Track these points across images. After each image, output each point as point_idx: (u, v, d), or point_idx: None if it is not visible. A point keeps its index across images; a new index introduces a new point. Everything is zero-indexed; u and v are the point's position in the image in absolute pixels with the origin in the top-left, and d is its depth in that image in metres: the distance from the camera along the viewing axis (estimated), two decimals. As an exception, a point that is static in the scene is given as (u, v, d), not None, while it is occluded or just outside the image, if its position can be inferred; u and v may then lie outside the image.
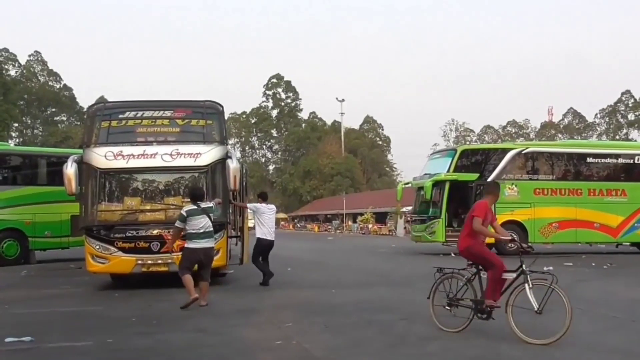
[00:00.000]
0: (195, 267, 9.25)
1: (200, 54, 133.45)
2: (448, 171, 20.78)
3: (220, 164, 11.57)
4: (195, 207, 9.19)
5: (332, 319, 8.09)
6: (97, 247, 11.12)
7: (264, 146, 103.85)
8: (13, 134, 79.53)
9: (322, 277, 13.89)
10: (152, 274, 11.30)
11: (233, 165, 11.38)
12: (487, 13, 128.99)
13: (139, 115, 12.14)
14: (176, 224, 9.36)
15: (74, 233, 17.85)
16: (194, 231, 9.05)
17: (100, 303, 9.80)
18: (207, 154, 11.55)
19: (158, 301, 9.69)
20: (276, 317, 8.30)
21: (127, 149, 11.41)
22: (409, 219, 40.57)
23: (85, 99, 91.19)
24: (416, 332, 7.18)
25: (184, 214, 9.13)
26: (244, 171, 12.43)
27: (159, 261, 11.05)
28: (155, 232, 11.20)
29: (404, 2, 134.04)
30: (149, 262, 11.13)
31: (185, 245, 9.29)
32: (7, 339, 6.70)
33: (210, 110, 12.38)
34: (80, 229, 11.71)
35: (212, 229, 9.26)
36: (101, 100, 67.82)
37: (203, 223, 9.09)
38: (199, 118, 12.30)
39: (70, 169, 11.13)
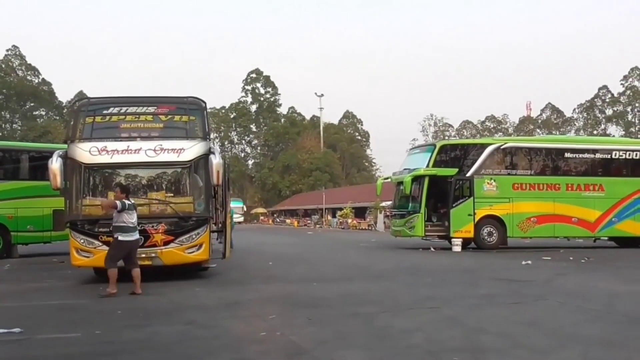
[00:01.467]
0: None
1: (180, 48, 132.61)
2: (427, 166, 20.99)
3: (203, 160, 11.72)
4: (128, 202, 9.89)
5: (316, 311, 8.20)
6: (82, 241, 11.22)
7: (243, 141, 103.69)
8: (-8, 129, 78.48)
9: (304, 271, 14.01)
10: None
11: (216, 160, 11.50)
12: (466, 7, 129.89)
13: (122, 111, 12.22)
14: (115, 201, 9.93)
15: (56, 227, 17.85)
16: (128, 224, 9.82)
17: (85, 296, 9.82)
18: (190, 150, 11.70)
19: (143, 295, 9.72)
20: (261, 310, 8.41)
21: (111, 145, 11.51)
22: (388, 213, 40.95)
23: (64, 94, 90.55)
24: (399, 324, 7.31)
25: (125, 204, 9.80)
26: (226, 166, 12.54)
27: (143, 255, 11.07)
28: (139, 226, 11.23)
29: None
30: None
31: (119, 238, 9.80)
32: (-3, 331, 6.77)
33: (193, 106, 12.56)
34: (65, 223, 11.75)
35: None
36: (81, 95, 67.35)
37: (135, 217, 9.93)
38: (182, 114, 12.46)
39: (55, 164, 11.21)
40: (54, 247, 19.15)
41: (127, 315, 8.05)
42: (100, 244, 11.07)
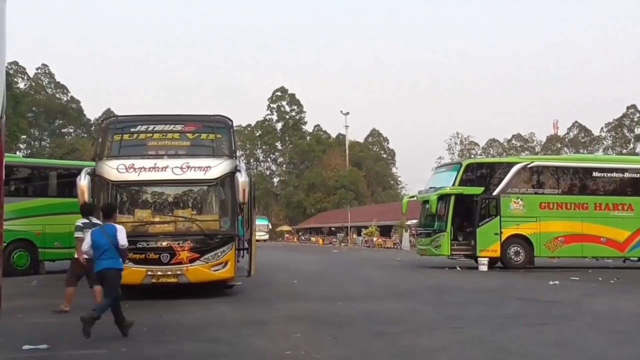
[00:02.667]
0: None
1: (205, 67, 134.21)
2: (453, 185, 20.90)
3: (230, 178, 11.77)
4: (87, 221, 9.82)
5: (340, 330, 8.20)
6: None
7: (269, 159, 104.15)
8: (21, 146, 80.00)
9: (329, 290, 13.99)
10: (161, 285, 11.42)
11: (242, 178, 11.53)
12: (492, 27, 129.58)
13: (150, 129, 12.36)
14: (76, 235, 9.84)
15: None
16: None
17: (110, 313, 9.92)
18: (217, 168, 11.76)
19: (168, 312, 9.81)
20: (285, 328, 8.43)
21: (138, 162, 11.64)
22: (414, 232, 40.69)
23: (92, 112, 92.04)
24: (424, 344, 7.28)
25: (80, 225, 9.77)
26: (252, 184, 12.62)
27: (169, 272, 11.21)
28: (165, 243, 11.38)
29: (408, 15, 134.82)
30: (159, 273, 11.26)
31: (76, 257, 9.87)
32: (24, 347, 6.87)
33: (219, 124, 12.66)
34: None
35: None
36: (109, 113, 68.65)
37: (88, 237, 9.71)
38: (209, 132, 12.57)
39: (83, 181, 11.41)
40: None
41: (152, 332, 8.11)
42: (127, 261, 11.15)
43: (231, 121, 12.78)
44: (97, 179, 11.61)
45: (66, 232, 18.32)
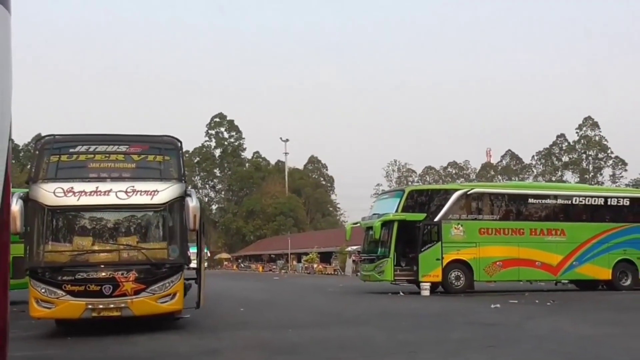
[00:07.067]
0: None
1: (142, 92, 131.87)
2: (396, 211, 21.18)
3: (179, 202, 11.06)
4: None
5: (294, 358, 8.13)
6: (43, 290, 10.32)
7: (207, 185, 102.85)
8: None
9: (277, 317, 13.85)
10: (103, 319, 10.62)
11: (193, 203, 10.97)
12: (430, 60, 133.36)
13: (91, 149, 11.42)
14: None
15: (15, 275, 17.01)
16: None
17: (56, 347, 9.49)
18: (165, 192, 11.01)
19: (115, 344, 9.45)
20: (240, 357, 8.27)
21: (78, 185, 10.73)
22: (355, 258, 40.95)
23: (20, 137, 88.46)
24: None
25: None
26: (202, 210, 12.03)
27: (111, 305, 10.35)
28: (107, 274, 10.54)
29: (348, 44, 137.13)
30: (100, 306, 10.37)
31: None
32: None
33: (168, 145, 11.89)
34: (25, 271, 10.65)
35: None
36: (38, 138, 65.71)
37: None
38: (156, 154, 11.71)
39: (15, 207, 10.17)
40: (12, 296, 18.48)
41: (101, 364, 7.81)
42: (64, 293, 10.24)
43: (180, 142, 12.01)
44: (31, 204, 10.54)
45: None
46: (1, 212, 2.87)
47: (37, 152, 11.79)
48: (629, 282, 22.58)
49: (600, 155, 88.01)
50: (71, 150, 11.43)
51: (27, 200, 10.59)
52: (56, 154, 11.25)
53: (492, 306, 15.45)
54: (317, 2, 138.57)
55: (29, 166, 13.08)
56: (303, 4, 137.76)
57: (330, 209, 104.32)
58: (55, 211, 10.85)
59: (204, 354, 8.59)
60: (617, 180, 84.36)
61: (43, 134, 12.03)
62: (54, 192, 10.56)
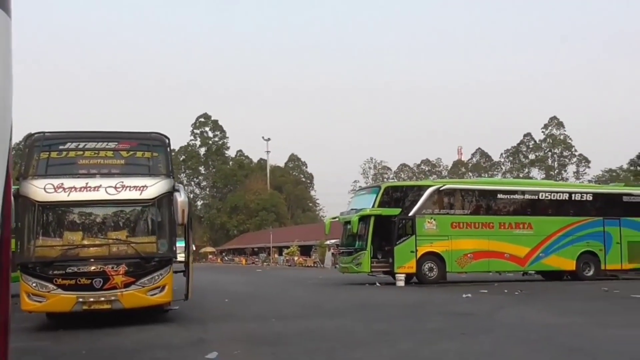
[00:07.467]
0: None
1: (129, 93, 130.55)
2: (373, 206, 21.29)
3: (167, 197, 10.97)
4: None
5: (279, 348, 8.10)
6: (34, 284, 10.18)
7: (193, 182, 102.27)
8: None
9: (261, 309, 13.81)
10: (94, 312, 10.49)
11: (181, 198, 10.87)
12: (400, 61, 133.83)
13: (81, 146, 11.30)
14: None
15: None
16: None
17: (46, 338, 9.36)
18: (154, 187, 10.90)
19: (106, 335, 9.36)
20: (226, 347, 8.22)
21: (68, 181, 10.58)
22: (334, 251, 41.03)
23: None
24: (361, 358, 7.31)
25: None
26: (190, 205, 11.92)
27: (102, 298, 10.23)
28: (97, 267, 10.42)
29: (326, 42, 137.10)
30: (91, 299, 10.26)
31: None
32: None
33: (156, 142, 11.79)
34: (16, 265, 10.48)
35: None
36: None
37: None
38: (145, 150, 11.64)
39: None
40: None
41: (91, 356, 7.71)
42: (55, 287, 10.11)
43: (168, 139, 11.90)
44: (21, 200, 10.33)
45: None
46: (2, 209, 2.84)
47: (27, 149, 11.55)
48: (591, 272, 22.95)
49: (565, 153, 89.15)
50: (61, 147, 11.30)
51: (17, 196, 10.33)
52: (46, 151, 11.12)
53: (464, 296, 15.58)
54: (295, 4, 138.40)
55: (19, 164, 12.78)
56: (282, 5, 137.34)
57: (310, 204, 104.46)
58: (46, 207, 10.70)
59: (192, 344, 8.53)
60: (580, 177, 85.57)
61: (32, 132, 11.80)
62: (44, 188, 10.41)
